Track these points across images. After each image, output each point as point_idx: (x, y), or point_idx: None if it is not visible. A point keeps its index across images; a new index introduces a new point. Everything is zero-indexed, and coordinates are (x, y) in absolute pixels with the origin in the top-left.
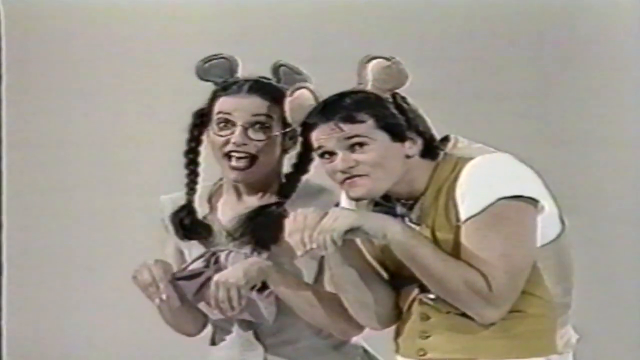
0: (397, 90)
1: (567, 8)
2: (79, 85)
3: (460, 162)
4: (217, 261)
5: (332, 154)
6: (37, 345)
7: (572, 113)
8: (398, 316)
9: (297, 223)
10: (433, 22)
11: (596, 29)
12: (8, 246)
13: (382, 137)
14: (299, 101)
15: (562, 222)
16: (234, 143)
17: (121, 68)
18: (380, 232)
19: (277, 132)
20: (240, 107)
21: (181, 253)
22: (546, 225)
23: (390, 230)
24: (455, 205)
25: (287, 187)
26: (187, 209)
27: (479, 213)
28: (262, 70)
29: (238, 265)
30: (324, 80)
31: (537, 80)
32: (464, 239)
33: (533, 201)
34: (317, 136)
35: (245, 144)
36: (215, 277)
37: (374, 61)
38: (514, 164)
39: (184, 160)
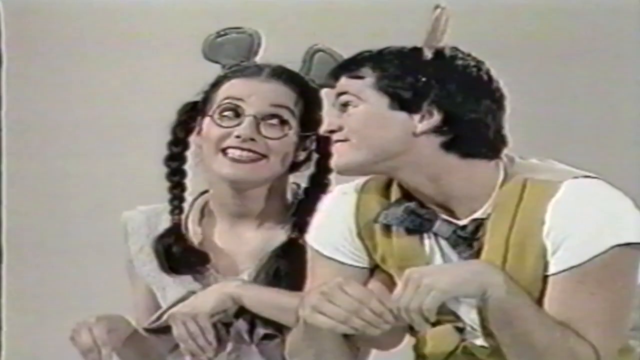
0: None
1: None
2: (80, 85)
3: (530, 186)
4: None
5: None
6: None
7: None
8: None
9: (335, 303)
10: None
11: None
12: (7, 249)
13: (377, 100)
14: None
15: None
16: (237, 137)
17: (124, 68)
18: (479, 290)
19: (295, 132)
20: (257, 92)
21: (152, 294)
22: None
23: (492, 285)
24: (543, 250)
25: (304, 209)
26: (175, 232)
27: (583, 263)
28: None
29: (204, 292)
30: None
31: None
32: (558, 294)
33: None
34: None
35: (253, 140)
36: (174, 310)
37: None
38: (619, 197)
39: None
